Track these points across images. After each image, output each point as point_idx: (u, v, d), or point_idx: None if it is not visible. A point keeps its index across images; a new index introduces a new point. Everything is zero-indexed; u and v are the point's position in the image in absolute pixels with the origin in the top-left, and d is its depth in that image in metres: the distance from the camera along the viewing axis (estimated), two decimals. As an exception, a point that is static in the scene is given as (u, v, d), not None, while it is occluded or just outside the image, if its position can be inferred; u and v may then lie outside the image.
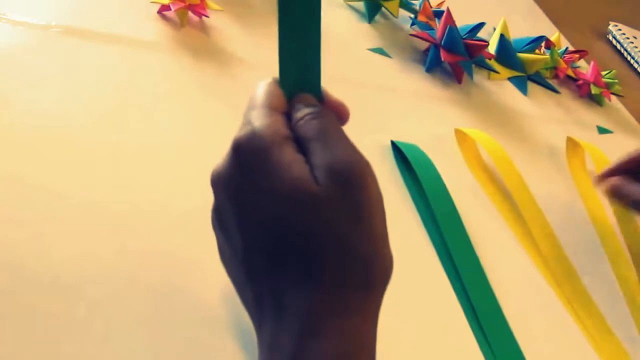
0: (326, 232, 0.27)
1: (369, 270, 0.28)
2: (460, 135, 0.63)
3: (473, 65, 0.75)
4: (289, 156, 0.27)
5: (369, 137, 0.56)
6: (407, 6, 0.78)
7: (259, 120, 0.29)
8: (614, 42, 1.04)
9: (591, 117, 0.82)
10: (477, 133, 0.62)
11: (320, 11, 0.30)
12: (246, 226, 0.28)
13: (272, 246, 0.28)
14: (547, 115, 0.77)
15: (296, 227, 0.27)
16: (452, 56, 0.70)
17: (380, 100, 0.64)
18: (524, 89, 0.79)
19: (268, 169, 0.27)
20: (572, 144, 0.68)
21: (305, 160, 0.28)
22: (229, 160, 0.29)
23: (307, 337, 0.26)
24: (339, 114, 0.31)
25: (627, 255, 0.58)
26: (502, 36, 0.80)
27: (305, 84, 0.31)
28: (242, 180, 0.28)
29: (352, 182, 0.27)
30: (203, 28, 0.60)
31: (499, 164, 0.60)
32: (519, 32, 0.84)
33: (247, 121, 0.29)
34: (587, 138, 0.72)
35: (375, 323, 0.28)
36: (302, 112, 0.29)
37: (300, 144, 0.29)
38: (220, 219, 0.31)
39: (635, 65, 1.01)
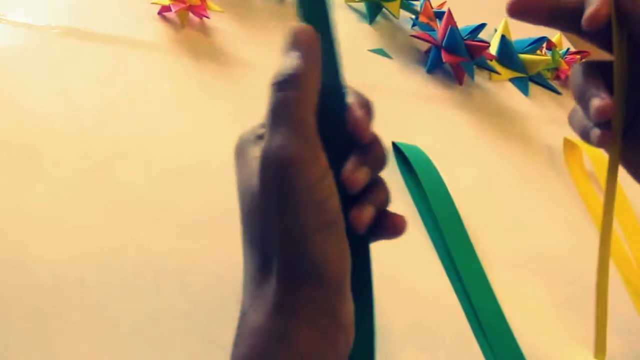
0: (261, 226, 0.28)
1: (296, 264, 0.27)
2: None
3: (474, 66, 0.75)
4: (252, 153, 0.29)
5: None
6: (408, 7, 0.78)
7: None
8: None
9: (592, 118, 0.82)
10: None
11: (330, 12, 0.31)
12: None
13: (245, 233, 0.30)
14: (549, 116, 0.77)
15: (247, 220, 0.29)
16: (453, 57, 0.70)
17: (381, 101, 0.64)
18: (525, 90, 0.79)
19: (237, 166, 0.30)
20: (570, 145, 0.68)
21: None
22: None
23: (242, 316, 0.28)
24: (355, 132, 0.30)
25: (629, 254, 0.58)
26: (503, 37, 0.80)
27: (326, 76, 0.31)
28: (235, 174, 0.31)
29: (277, 173, 0.26)
30: (203, 29, 0.60)
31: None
32: (520, 33, 0.83)
33: None
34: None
35: (321, 336, 0.27)
36: (273, 78, 0.28)
37: None
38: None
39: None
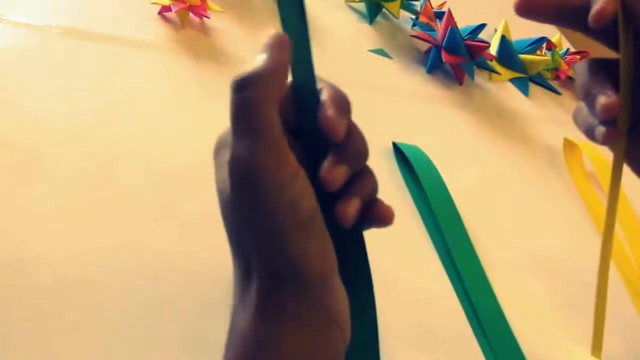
0: (238, 229, 0.28)
1: (275, 264, 0.27)
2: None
3: (474, 67, 0.75)
4: (225, 157, 0.29)
5: (369, 138, 0.56)
6: (408, 7, 0.78)
7: None
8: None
9: (592, 118, 0.82)
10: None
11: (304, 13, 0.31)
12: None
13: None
14: (548, 116, 0.77)
15: (226, 224, 0.29)
16: (453, 57, 0.70)
17: (381, 101, 0.64)
18: (525, 90, 0.79)
19: (215, 168, 0.31)
20: (570, 145, 0.68)
21: None
22: None
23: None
24: (326, 131, 0.29)
25: (629, 254, 0.58)
26: (503, 37, 0.80)
27: (299, 75, 0.31)
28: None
29: (244, 177, 0.27)
30: (204, 29, 0.60)
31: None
32: (520, 33, 0.83)
33: None
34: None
35: (310, 335, 0.27)
36: (233, 79, 0.28)
37: None
38: None
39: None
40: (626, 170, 0.40)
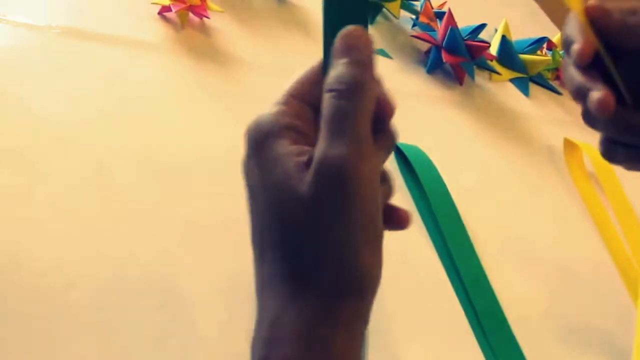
0: (305, 233, 0.26)
1: (343, 278, 0.26)
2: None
3: (474, 67, 0.75)
4: (280, 149, 0.27)
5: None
6: (408, 7, 0.78)
7: (270, 107, 0.28)
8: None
9: (593, 118, 0.82)
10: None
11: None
12: (250, 200, 0.28)
13: (260, 232, 0.28)
14: (549, 116, 0.77)
15: (278, 222, 0.27)
16: (454, 57, 0.70)
17: (381, 101, 0.64)
18: (525, 90, 0.79)
19: (260, 160, 0.27)
20: (570, 145, 0.68)
21: (300, 152, 0.27)
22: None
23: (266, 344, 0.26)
24: (382, 108, 0.29)
25: (629, 253, 0.58)
26: (503, 37, 0.80)
27: None
28: (246, 161, 0.28)
29: (336, 183, 0.25)
30: (204, 29, 0.60)
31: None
32: (520, 33, 0.83)
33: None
34: (589, 139, 0.71)
35: (356, 336, 0.27)
36: (331, 84, 0.27)
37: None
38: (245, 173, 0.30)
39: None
40: (625, 171, 0.40)
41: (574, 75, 0.37)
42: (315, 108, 0.28)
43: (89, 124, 0.45)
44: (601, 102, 0.34)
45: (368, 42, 0.28)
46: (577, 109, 0.84)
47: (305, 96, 0.29)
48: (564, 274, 0.54)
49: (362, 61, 0.28)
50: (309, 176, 0.26)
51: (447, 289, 0.47)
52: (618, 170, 0.65)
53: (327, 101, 0.27)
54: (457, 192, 0.54)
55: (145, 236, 0.40)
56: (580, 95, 0.36)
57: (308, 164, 0.26)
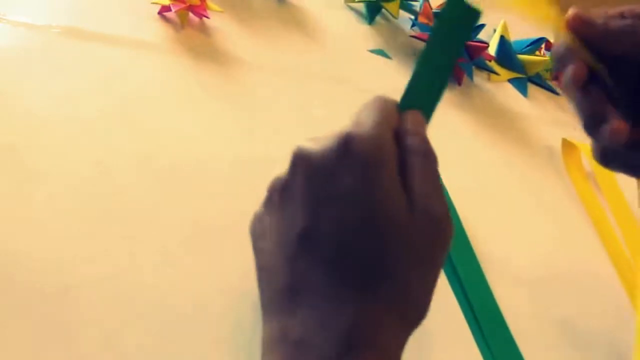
0: (398, 258, 0.27)
1: (413, 308, 0.28)
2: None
3: (473, 67, 0.75)
4: (391, 179, 0.28)
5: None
6: (407, 7, 0.78)
7: (377, 127, 0.28)
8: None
9: (591, 118, 0.82)
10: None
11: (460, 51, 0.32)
12: (318, 213, 0.27)
13: (337, 247, 0.27)
14: (547, 117, 0.77)
15: (373, 243, 0.27)
16: (452, 58, 0.70)
17: (381, 101, 0.64)
18: (524, 91, 0.79)
19: (370, 179, 0.27)
20: (568, 146, 0.68)
21: (401, 182, 0.28)
22: (332, 145, 0.28)
23: (343, 346, 0.26)
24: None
25: (628, 253, 0.58)
26: (502, 38, 0.80)
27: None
28: (338, 171, 0.27)
29: (440, 231, 0.28)
30: (203, 29, 0.60)
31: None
32: (519, 33, 0.84)
33: (361, 121, 0.29)
34: (587, 139, 0.72)
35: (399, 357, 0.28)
36: (415, 129, 0.30)
37: (402, 155, 0.29)
38: (286, 192, 0.29)
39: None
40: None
41: (579, 101, 0.36)
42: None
43: (89, 123, 0.45)
44: (614, 132, 0.34)
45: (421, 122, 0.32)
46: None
47: (392, 123, 0.30)
48: (562, 274, 0.54)
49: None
50: (417, 212, 0.27)
51: (447, 289, 0.47)
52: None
53: (416, 139, 0.30)
54: (456, 192, 0.54)
55: (145, 236, 0.40)
56: (592, 124, 0.36)
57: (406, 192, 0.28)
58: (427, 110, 0.32)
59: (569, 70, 0.35)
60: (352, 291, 0.26)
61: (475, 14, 0.31)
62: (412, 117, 0.31)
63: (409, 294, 0.28)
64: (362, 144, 0.27)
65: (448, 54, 0.31)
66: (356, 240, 0.27)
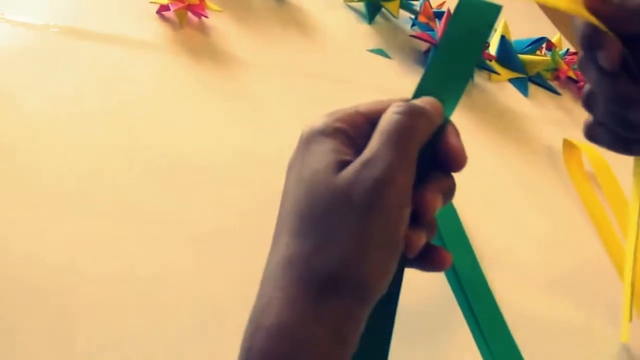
0: (328, 220, 0.27)
1: (347, 274, 0.27)
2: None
3: (474, 67, 0.74)
4: (327, 145, 0.28)
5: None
6: (407, 7, 0.78)
7: (332, 112, 0.30)
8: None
9: (592, 118, 0.82)
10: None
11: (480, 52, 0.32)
12: (285, 191, 0.30)
13: (282, 218, 0.29)
14: (548, 117, 0.77)
15: (305, 207, 0.28)
16: (453, 57, 0.70)
17: (380, 101, 0.64)
18: (524, 91, 0.79)
19: (305, 152, 0.29)
20: (569, 145, 0.68)
21: (345, 152, 0.28)
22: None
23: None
24: (453, 158, 0.33)
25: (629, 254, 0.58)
26: (502, 37, 0.80)
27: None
28: (293, 155, 0.30)
29: (371, 185, 0.27)
30: (202, 28, 0.60)
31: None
32: (519, 33, 0.83)
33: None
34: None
35: (341, 339, 0.27)
36: (394, 106, 0.30)
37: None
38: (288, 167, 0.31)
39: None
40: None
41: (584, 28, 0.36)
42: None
43: (87, 122, 0.45)
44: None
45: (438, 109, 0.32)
46: (577, 109, 0.85)
47: (374, 117, 0.30)
48: (562, 274, 0.54)
49: (432, 110, 0.31)
50: (348, 172, 0.27)
51: (446, 289, 0.47)
52: (617, 171, 0.65)
53: (387, 114, 0.29)
54: (456, 193, 0.54)
55: (145, 236, 0.40)
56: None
57: (348, 163, 0.27)
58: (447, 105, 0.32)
59: (604, 53, 0.34)
60: (285, 268, 0.27)
61: (494, 9, 0.30)
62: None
63: (343, 262, 0.27)
64: (305, 130, 0.30)
65: (467, 53, 0.31)
66: (290, 217, 0.28)
